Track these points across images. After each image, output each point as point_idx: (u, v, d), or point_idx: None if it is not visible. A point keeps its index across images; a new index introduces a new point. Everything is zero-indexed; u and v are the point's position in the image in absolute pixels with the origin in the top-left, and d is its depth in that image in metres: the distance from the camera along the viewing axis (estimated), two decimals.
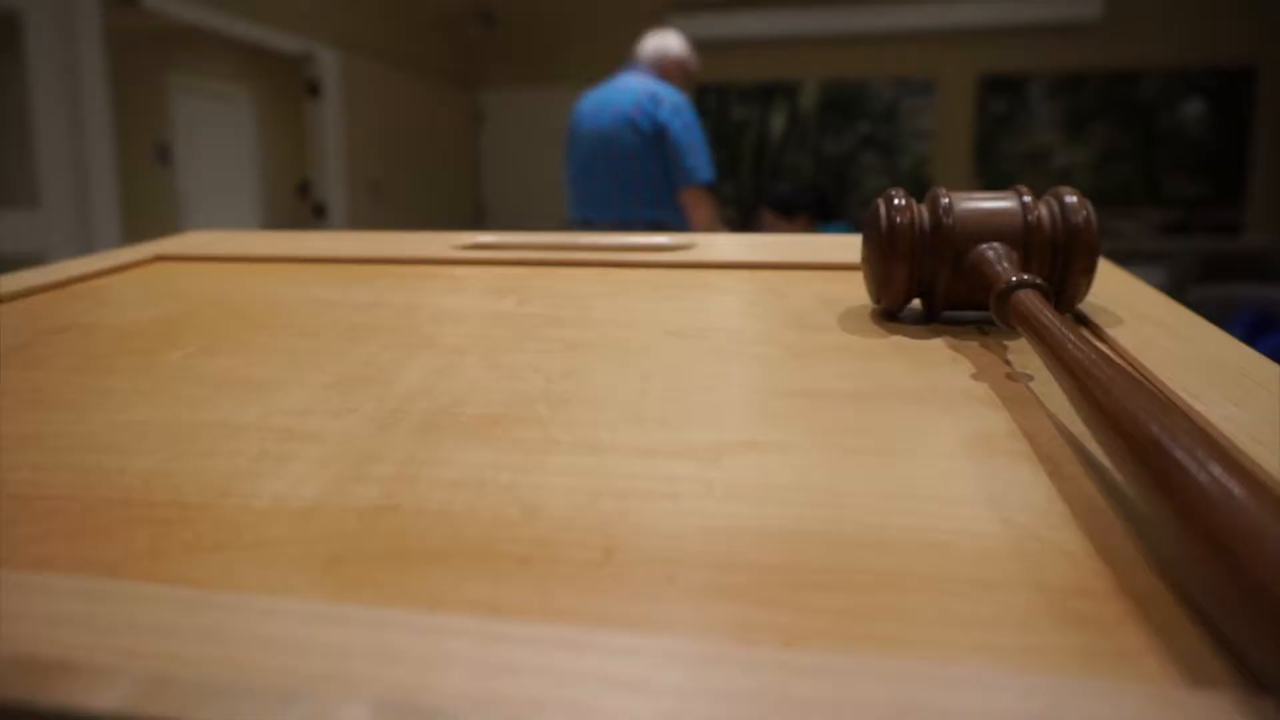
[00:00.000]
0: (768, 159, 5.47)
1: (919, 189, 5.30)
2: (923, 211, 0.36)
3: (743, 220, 3.59)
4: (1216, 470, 0.17)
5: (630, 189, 2.25)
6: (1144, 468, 0.18)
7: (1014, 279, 0.30)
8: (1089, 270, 0.34)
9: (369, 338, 0.36)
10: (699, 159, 2.21)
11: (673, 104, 2.21)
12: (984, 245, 0.34)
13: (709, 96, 5.41)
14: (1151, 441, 0.19)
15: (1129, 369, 0.22)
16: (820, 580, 0.18)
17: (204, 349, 0.35)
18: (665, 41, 2.34)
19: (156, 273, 0.50)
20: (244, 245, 0.58)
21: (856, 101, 5.36)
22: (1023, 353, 0.33)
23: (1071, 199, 0.35)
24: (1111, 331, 0.34)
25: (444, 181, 5.41)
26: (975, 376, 0.30)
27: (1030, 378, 0.30)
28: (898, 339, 0.34)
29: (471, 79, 5.66)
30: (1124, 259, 4.57)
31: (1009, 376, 0.30)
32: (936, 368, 0.31)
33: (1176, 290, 3.68)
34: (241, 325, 0.38)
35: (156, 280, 0.48)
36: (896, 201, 0.35)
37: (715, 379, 0.30)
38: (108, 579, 0.18)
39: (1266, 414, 0.25)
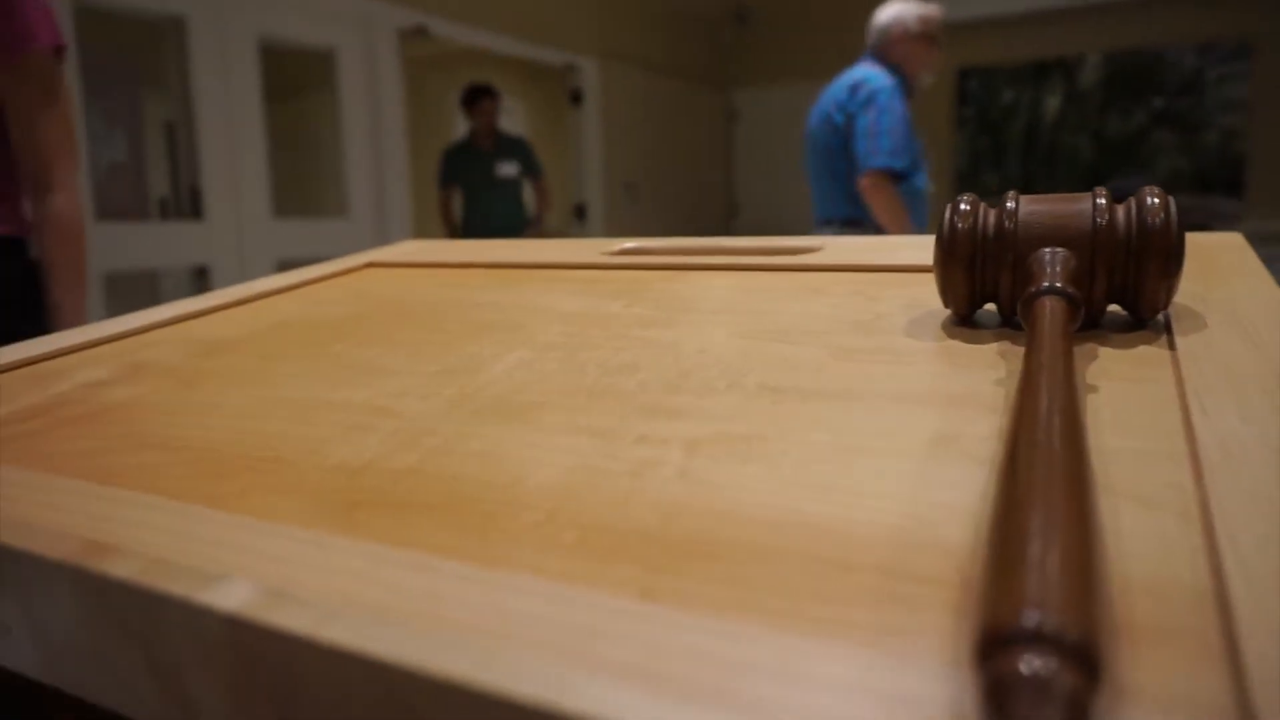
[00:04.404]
0: (1039, 144, 5.05)
1: (1229, 168, 4.64)
2: (990, 216, 0.36)
3: None
4: (1037, 520, 0.17)
5: (831, 186, 2.21)
6: (1005, 482, 0.19)
7: (1041, 285, 0.30)
8: (1167, 274, 0.33)
9: (485, 334, 0.42)
10: (873, 144, 2.05)
11: (868, 91, 2.09)
12: (1045, 249, 0.34)
13: (972, 80, 5.10)
14: (1017, 465, 0.19)
15: (1071, 397, 0.23)
16: (703, 551, 0.21)
17: (361, 341, 0.43)
18: (879, 19, 2.17)
19: (362, 278, 0.60)
20: (442, 253, 0.68)
21: (1149, 73, 4.79)
22: (1079, 360, 0.32)
23: (1152, 200, 0.33)
24: (1185, 335, 0.32)
25: (697, 181, 5.57)
26: (999, 382, 0.30)
27: None
28: (952, 344, 0.35)
29: (724, 79, 5.76)
30: None
31: None
32: (964, 372, 0.31)
33: None
34: (399, 322, 0.46)
35: (358, 284, 0.58)
36: (961, 208, 0.36)
37: (745, 377, 0.33)
38: (201, 506, 0.25)
39: (1262, 429, 0.24)
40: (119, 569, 0.19)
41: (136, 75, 3.06)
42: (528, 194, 3.58)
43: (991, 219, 0.35)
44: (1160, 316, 0.35)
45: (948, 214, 0.36)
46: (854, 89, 2.13)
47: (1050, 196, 0.36)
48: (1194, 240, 0.46)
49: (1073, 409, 0.21)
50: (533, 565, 0.21)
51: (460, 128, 4.26)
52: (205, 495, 0.26)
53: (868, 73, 2.14)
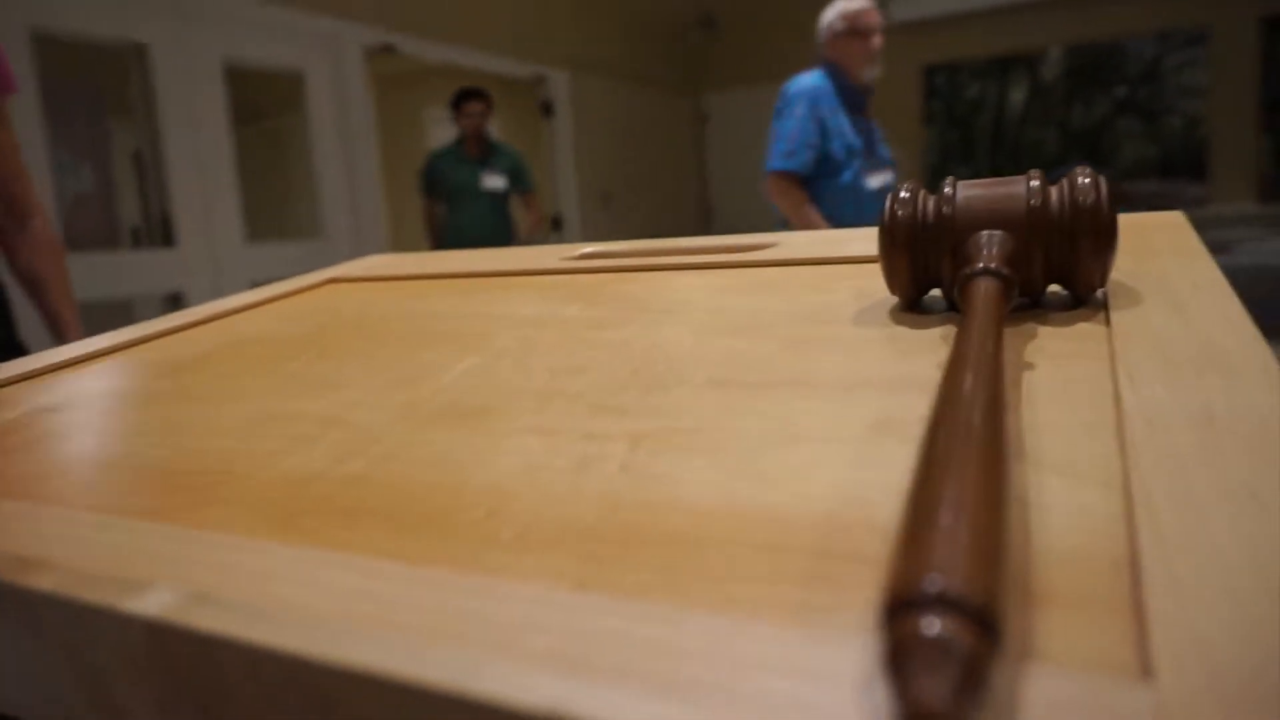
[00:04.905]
0: (1006, 137, 5.11)
1: (1192, 152, 4.71)
2: (929, 203, 0.36)
3: None
4: (945, 490, 0.17)
5: None
6: (921, 457, 0.20)
7: (975, 267, 0.30)
8: (1101, 252, 0.33)
9: (439, 343, 0.42)
10: (771, 149, 2.15)
11: (784, 97, 2.18)
12: (982, 232, 0.34)
13: (938, 76, 5.15)
14: (933, 440, 0.20)
15: (993, 372, 0.23)
16: (638, 540, 0.21)
17: (318, 356, 0.43)
18: (819, 25, 2.24)
19: (324, 294, 0.60)
20: (404, 266, 0.68)
21: (1110, 63, 4.86)
22: (1017, 339, 0.32)
23: (1084, 180, 0.34)
24: (1120, 311, 0.32)
25: (671, 186, 5.59)
26: (940, 365, 0.31)
27: None
28: (897, 330, 0.35)
29: (694, 84, 5.79)
30: None
31: None
32: (907, 357, 0.32)
33: None
34: (354, 336, 0.46)
35: (319, 300, 0.58)
36: (902, 195, 0.36)
37: (694, 373, 0.33)
38: (144, 521, 0.25)
39: (1186, 399, 0.24)
40: (43, 582, 0.19)
41: (103, 105, 3.04)
42: (516, 207, 3.36)
43: (930, 205, 0.36)
44: (1099, 294, 0.36)
45: (889, 203, 0.37)
46: (780, 97, 2.21)
47: (987, 181, 0.36)
48: (1134, 220, 0.47)
49: (993, 385, 0.21)
50: (470, 562, 0.21)
51: (435, 141, 4.13)
52: (150, 511, 0.26)
53: (793, 79, 2.22)
